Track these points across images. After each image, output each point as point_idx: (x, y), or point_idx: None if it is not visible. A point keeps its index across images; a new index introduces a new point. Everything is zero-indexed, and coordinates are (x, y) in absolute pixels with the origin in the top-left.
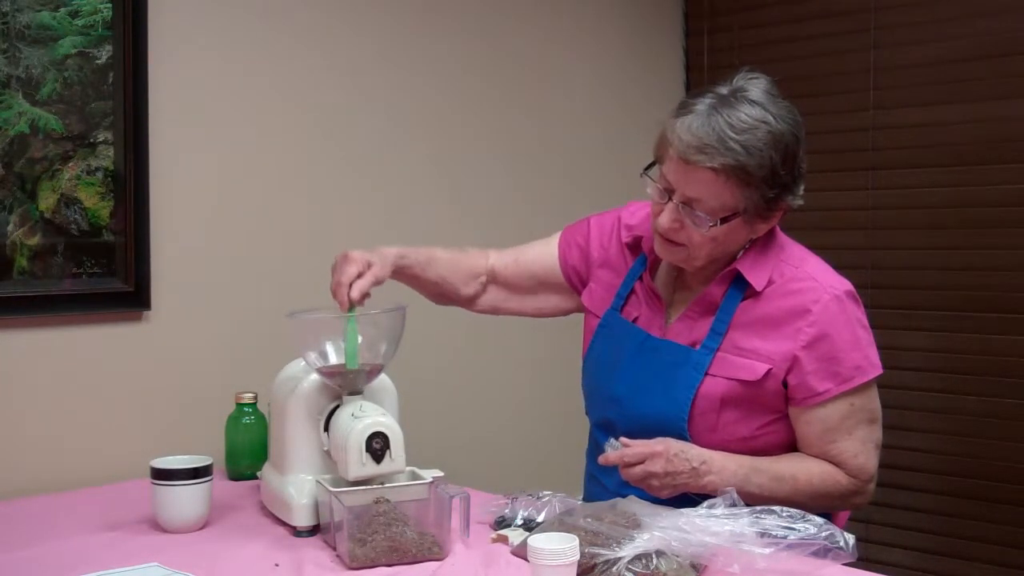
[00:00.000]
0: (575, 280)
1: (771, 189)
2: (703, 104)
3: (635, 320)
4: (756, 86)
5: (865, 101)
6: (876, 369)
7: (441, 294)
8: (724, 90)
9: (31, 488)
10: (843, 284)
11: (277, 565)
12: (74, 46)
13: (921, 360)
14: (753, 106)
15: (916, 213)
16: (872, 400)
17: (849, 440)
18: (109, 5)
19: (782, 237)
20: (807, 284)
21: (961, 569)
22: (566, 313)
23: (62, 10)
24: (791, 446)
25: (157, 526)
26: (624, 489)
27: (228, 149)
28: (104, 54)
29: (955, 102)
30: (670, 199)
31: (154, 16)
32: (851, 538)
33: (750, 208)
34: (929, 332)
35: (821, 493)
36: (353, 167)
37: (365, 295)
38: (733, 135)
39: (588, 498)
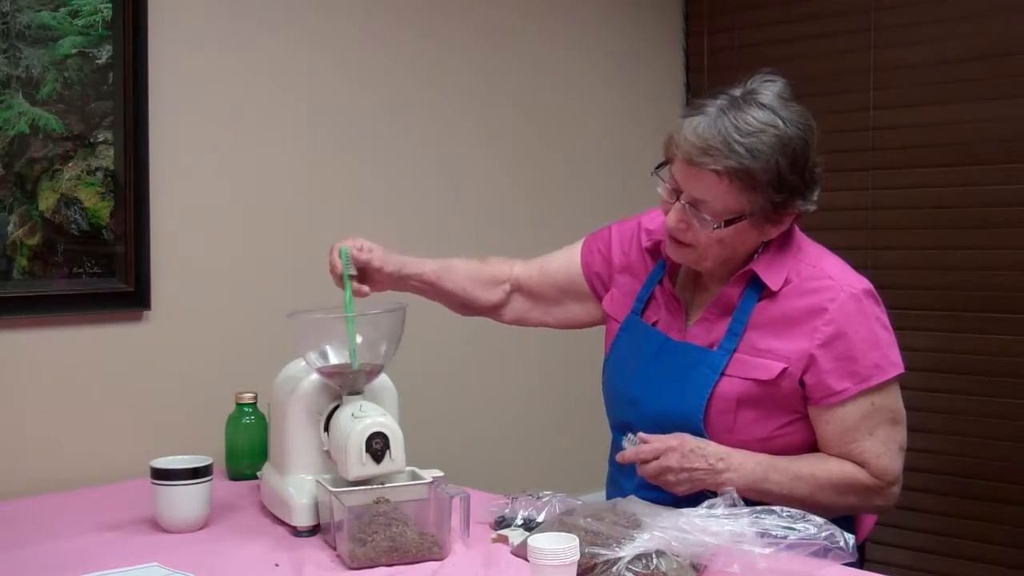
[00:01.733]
0: (599, 288)
1: (778, 193)
2: (713, 106)
3: (655, 324)
4: (769, 89)
5: (865, 101)
6: (897, 368)
7: (463, 304)
8: (737, 92)
9: (31, 488)
10: (861, 282)
11: (277, 565)
12: (74, 46)
13: (921, 360)
14: (762, 109)
15: (916, 213)
16: (894, 400)
17: (871, 440)
18: (109, 5)
19: (800, 237)
20: (824, 283)
21: (962, 569)
22: (591, 324)
23: (62, 10)
24: (811, 447)
25: (157, 526)
26: (642, 492)
27: (228, 149)
28: (104, 54)
29: (955, 102)
30: (678, 199)
31: (154, 16)
32: (851, 538)
33: (756, 211)
34: (929, 332)
35: (841, 492)
36: (354, 167)
37: (364, 256)
38: (739, 138)
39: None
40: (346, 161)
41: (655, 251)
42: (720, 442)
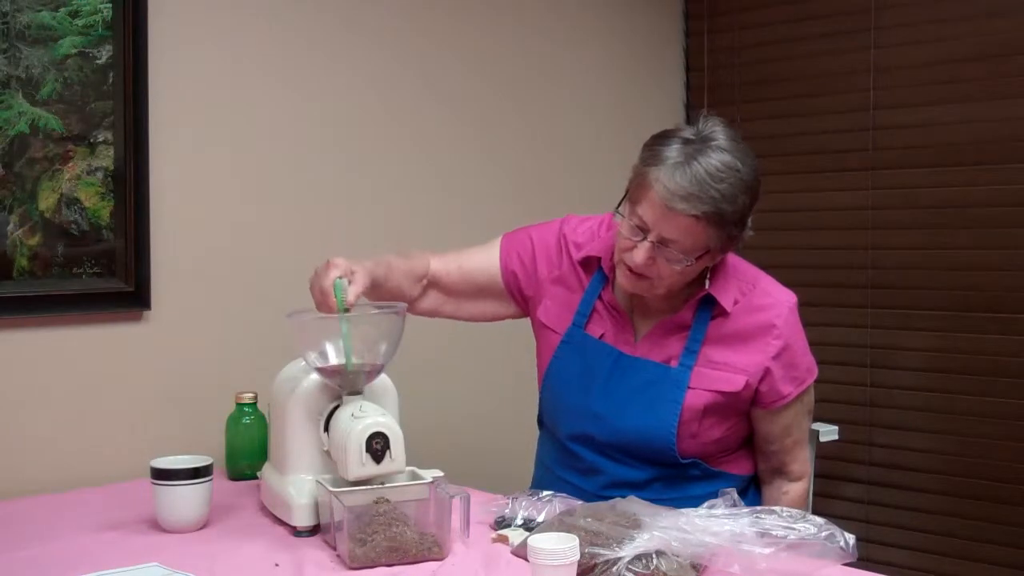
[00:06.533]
0: (514, 291)
1: (736, 227)
2: (674, 150)
3: (601, 337)
4: (720, 132)
5: (865, 101)
6: (816, 369)
7: (391, 300)
8: (688, 134)
9: (31, 488)
10: (792, 297)
11: (277, 565)
12: (74, 46)
13: (921, 360)
14: (724, 153)
15: (916, 213)
16: (811, 394)
17: (798, 433)
18: (109, 5)
19: (731, 256)
20: (768, 301)
21: (961, 569)
22: (500, 319)
23: (62, 10)
24: (749, 438)
25: (157, 526)
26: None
27: (228, 149)
28: (104, 54)
29: (955, 102)
30: (644, 237)
31: (154, 16)
32: (851, 538)
33: (717, 245)
34: (929, 332)
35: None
36: (353, 167)
37: (354, 294)
38: (712, 184)
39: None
40: (346, 160)
41: (587, 264)
42: (683, 447)
